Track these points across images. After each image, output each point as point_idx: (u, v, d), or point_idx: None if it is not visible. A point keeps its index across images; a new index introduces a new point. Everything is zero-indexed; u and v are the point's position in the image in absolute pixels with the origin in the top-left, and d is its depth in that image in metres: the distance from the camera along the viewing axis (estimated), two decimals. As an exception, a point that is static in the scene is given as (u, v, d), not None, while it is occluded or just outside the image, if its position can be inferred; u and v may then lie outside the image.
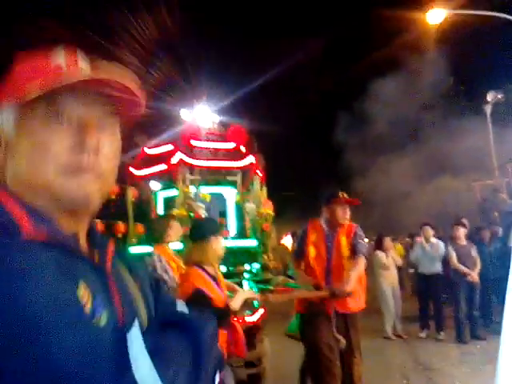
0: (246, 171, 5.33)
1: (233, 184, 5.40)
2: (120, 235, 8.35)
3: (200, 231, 2.79)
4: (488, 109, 16.51)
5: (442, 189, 15.04)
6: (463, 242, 7.35)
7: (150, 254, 3.44)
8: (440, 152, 14.79)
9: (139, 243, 5.25)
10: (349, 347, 3.46)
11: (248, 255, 4.79)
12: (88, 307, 0.66)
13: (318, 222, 3.78)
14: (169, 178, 5.15)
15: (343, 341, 3.44)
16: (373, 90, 16.71)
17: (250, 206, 4.93)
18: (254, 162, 5.32)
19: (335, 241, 3.64)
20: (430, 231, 7.71)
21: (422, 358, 6.00)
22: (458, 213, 12.80)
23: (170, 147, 5.08)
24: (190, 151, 4.86)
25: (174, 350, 0.81)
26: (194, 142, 4.99)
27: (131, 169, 5.38)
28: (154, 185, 5.05)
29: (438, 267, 7.54)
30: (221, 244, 2.80)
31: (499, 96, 16.59)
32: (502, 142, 15.03)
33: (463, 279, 7.06)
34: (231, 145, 5.29)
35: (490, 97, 16.81)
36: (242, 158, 5.27)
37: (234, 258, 4.77)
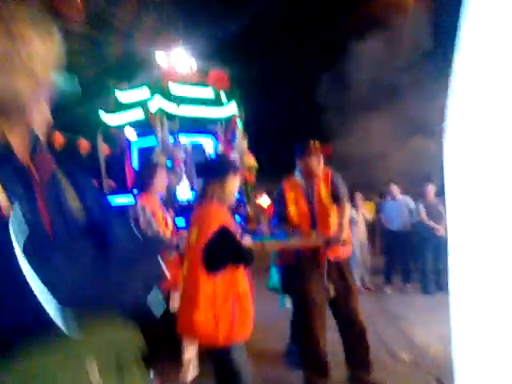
0: (226, 120, 5.12)
1: (212, 133, 5.19)
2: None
3: (221, 168, 2.58)
4: (463, 70, 16.44)
5: (415, 149, 15.13)
6: (432, 198, 7.64)
7: (133, 204, 3.23)
8: (416, 113, 14.75)
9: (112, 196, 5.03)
10: (345, 288, 3.45)
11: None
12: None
13: (293, 179, 3.71)
14: (146, 127, 4.87)
15: (332, 291, 3.40)
16: (353, 51, 16.34)
17: (232, 157, 4.73)
18: (235, 110, 5.10)
19: (315, 192, 3.56)
20: (395, 188, 7.87)
21: (388, 308, 6.16)
22: (430, 172, 12.99)
23: (146, 92, 4.77)
24: (169, 98, 4.58)
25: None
26: (172, 88, 4.69)
27: (103, 117, 5.06)
28: (130, 133, 4.76)
29: (403, 223, 7.71)
30: (237, 183, 2.62)
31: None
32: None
33: (430, 234, 7.34)
34: (212, 91, 5.02)
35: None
36: (223, 106, 5.04)
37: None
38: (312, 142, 3.62)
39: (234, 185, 2.57)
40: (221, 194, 2.50)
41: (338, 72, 16.14)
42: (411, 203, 7.76)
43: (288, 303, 4.22)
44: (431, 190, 7.84)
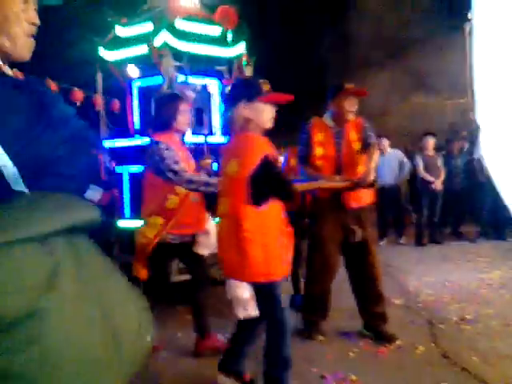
0: (234, 61, 4.87)
1: (218, 75, 4.95)
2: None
3: (250, 91, 2.36)
4: (467, 27, 16.08)
5: (415, 107, 14.97)
6: (431, 152, 7.68)
7: (155, 143, 3.00)
8: (417, 70, 14.50)
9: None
10: (364, 239, 3.41)
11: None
12: None
13: (322, 121, 3.57)
14: (149, 64, 4.61)
15: (359, 232, 3.36)
16: (355, 6, 15.85)
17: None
18: (244, 51, 4.84)
19: (345, 137, 3.46)
20: (386, 142, 7.83)
21: (382, 258, 6.29)
22: (430, 128, 12.87)
23: (150, 26, 4.47)
24: (175, 33, 4.30)
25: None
26: (178, 23, 4.40)
27: (102, 51, 4.77)
28: (132, 71, 4.50)
29: (394, 177, 7.68)
30: (271, 110, 2.40)
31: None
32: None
33: (427, 187, 7.38)
34: (219, 29, 4.73)
35: (471, 14, 16.30)
36: (231, 46, 4.77)
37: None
38: (347, 83, 3.49)
39: (267, 110, 2.38)
40: (255, 121, 2.35)
41: (340, 28, 15.73)
42: (401, 157, 7.73)
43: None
44: (430, 142, 7.81)
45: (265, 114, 2.37)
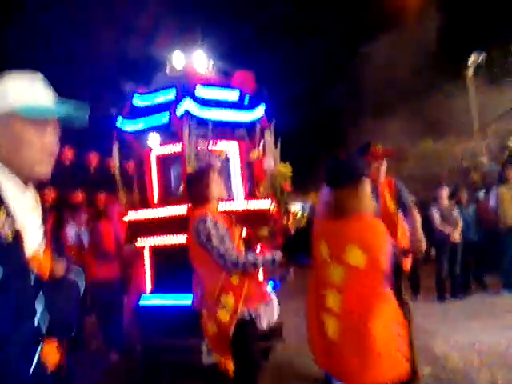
0: (255, 124, 4.75)
1: (238, 139, 4.81)
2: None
3: (356, 171, 2.19)
4: (469, 72, 16.34)
5: (425, 152, 14.95)
6: (446, 202, 7.45)
7: (203, 221, 2.76)
8: (424, 116, 14.62)
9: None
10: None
11: (264, 218, 4.28)
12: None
13: None
14: (169, 133, 4.48)
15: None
16: (363, 55, 16.35)
17: (268, 163, 4.34)
18: (263, 114, 4.73)
19: (380, 198, 3.28)
20: None
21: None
22: (441, 176, 12.75)
23: (171, 94, 4.37)
24: (197, 100, 4.20)
25: None
26: (200, 90, 4.31)
27: (118, 123, 4.66)
28: (153, 140, 4.37)
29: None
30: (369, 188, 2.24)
31: (481, 58, 16.42)
32: (482, 105, 14.94)
33: (445, 239, 7.13)
34: (237, 93, 4.65)
35: (471, 60, 16.61)
36: (251, 110, 4.67)
37: (247, 222, 4.25)
38: (375, 145, 3.36)
39: (369, 190, 2.23)
40: (363, 203, 2.16)
41: (352, 76, 16.11)
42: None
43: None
44: (445, 193, 7.58)
45: (370, 194, 2.24)
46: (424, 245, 3.12)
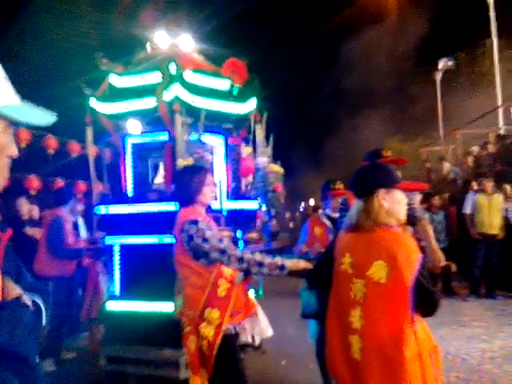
0: (246, 117, 4.37)
1: (225, 133, 4.42)
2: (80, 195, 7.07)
3: (389, 178, 2.05)
4: (438, 76, 16.62)
5: (392, 151, 15.10)
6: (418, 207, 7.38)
7: (193, 222, 2.47)
8: (392, 117, 14.76)
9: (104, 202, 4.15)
10: None
11: (251, 220, 3.95)
12: None
13: None
14: (150, 119, 4.03)
15: None
16: (340, 55, 16.40)
17: (261, 160, 4.00)
18: (256, 106, 4.36)
19: None
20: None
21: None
22: (406, 179, 12.87)
23: (157, 77, 3.90)
24: (187, 86, 3.76)
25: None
26: (189, 76, 3.87)
27: (94, 103, 4.14)
28: (133, 126, 3.90)
29: None
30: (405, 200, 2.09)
31: (449, 63, 16.72)
32: (449, 109, 15.23)
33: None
34: (229, 82, 4.24)
35: (440, 64, 16.89)
36: (242, 102, 4.28)
37: (234, 223, 3.90)
38: (384, 151, 3.19)
39: (403, 200, 2.06)
40: (392, 213, 2.01)
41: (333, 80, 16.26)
42: None
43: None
44: (418, 199, 7.53)
45: (401, 204, 2.05)
46: (439, 258, 2.95)
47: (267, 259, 2.41)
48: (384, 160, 3.10)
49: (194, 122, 3.88)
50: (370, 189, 2.02)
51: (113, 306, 3.97)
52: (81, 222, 5.91)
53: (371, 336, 1.89)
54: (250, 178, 4.34)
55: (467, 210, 7.66)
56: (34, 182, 7.21)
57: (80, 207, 5.88)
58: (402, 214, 2.05)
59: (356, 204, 2.08)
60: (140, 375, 3.72)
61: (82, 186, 7.68)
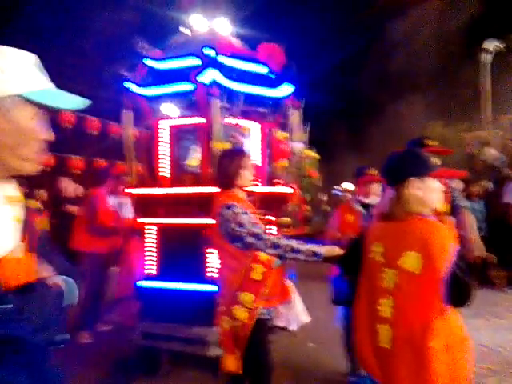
0: (282, 102, 4.35)
1: (261, 118, 4.43)
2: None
3: (423, 165, 2.00)
4: (486, 58, 15.81)
5: (432, 137, 14.65)
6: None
7: (228, 206, 2.52)
8: (435, 101, 14.24)
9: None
10: None
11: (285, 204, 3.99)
12: None
13: None
14: (188, 103, 4.09)
15: None
16: (384, 34, 15.89)
17: (296, 146, 3.99)
18: (292, 91, 4.33)
19: None
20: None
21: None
22: (447, 165, 12.47)
23: (195, 61, 3.94)
24: (223, 71, 3.78)
25: None
26: (226, 60, 3.89)
27: (130, 85, 4.22)
28: (170, 108, 3.96)
29: None
30: (440, 188, 2.04)
31: (499, 45, 15.86)
32: (497, 93, 14.54)
33: None
34: (266, 67, 4.23)
35: (489, 45, 16.04)
36: (278, 87, 4.27)
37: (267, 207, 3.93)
38: (428, 141, 3.18)
39: (438, 188, 2.01)
40: (425, 202, 1.97)
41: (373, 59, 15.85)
42: None
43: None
44: (456, 185, 7.33)
45: (435, 192, 2.00)
46: (475, 248, 2.91)
47: (303, 246, 2.42)
48: (427, 150, 3.05)
49: (230, 105, 3.90)
50: (401, 178, 1.97)
51: (148, 284, 4.12)
52: (126, 201, 6.08)
53: (401, 326, 1.89)
54: (285, 163, 4.34)
55: (508, 199, 7.40)
56: (78, 163, 7.49)
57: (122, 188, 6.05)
58: (436, 202, 2.01)
59: (388, 193, 2.05)
60: (171, 351, 3.87)
61: (122, 167, 7.90)
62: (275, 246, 2.42)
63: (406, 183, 1.95)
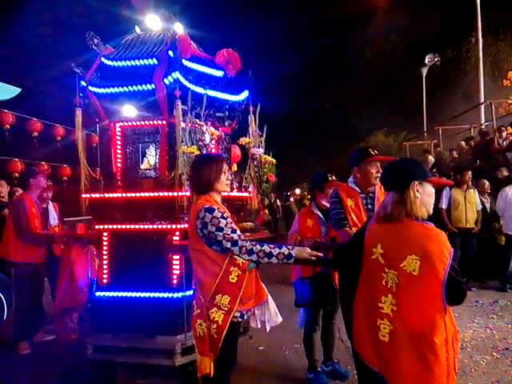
0: (239, 107, 4.33)
1: (220, 121, 4.37)
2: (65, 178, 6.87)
3: (422, 170, 2.18)
4: (424, 71, 16.73)
5: (375, 145, 15.29)
6: None
7: (208, 210, 2.51)
8: (380, 110, 14.90)
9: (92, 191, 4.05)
10: None
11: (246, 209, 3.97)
12: None
13: (347, 186, 3.39)
14: (145, 103, 3.94)
15: None
16: (336, 47, 16.49)
17: (257, 151, 3.98)
18: (249, 97, 4.33)
19: (376, 203, 3.27)
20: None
21: None
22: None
23: (153, 61, 3.81)
24: (185, 72, 3.70)
25: None
26: (186, 63, 3.81)
27: (85, 84, 4.01)
28: (126, 108, 3.81)
29: None
30: (427, 191, 2.16)
31: (435, 59, 16.84)
32: (433, 104, 15.41)
33: None
34: (222, 73, 4.21)
35: (427, 59, 17.00)
36: (237, 91, 4.24)
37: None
38: (372, 150, 3.31)
39: (433, 194, 2.16)
40: (424, 206, 2.11)
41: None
42: None
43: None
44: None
45: (432, 198, 2.16)
46: None
47: (276, 249, 2.51)
48: (372, 158, 3.24)
49: (192, 108, 3.81)
50: (406, 181, 2.09)
51: (100, 294, 3.91)
52: (51, 207, 5.76)
53: (403, 321, 2.02)
54: (235, 167, 4.37)
55: (443, 205, 7.78)
56: (17, 166, 7.04)
57: (50, 193, 5.73)
58: (431, 206, 2.15)
59: (389, 196, 2.16)
60: (130, 364, 3.70)
61: (43, 167, 7.56)
62: (250, 252, 2.50)
63: (409, 186, 2.09)
